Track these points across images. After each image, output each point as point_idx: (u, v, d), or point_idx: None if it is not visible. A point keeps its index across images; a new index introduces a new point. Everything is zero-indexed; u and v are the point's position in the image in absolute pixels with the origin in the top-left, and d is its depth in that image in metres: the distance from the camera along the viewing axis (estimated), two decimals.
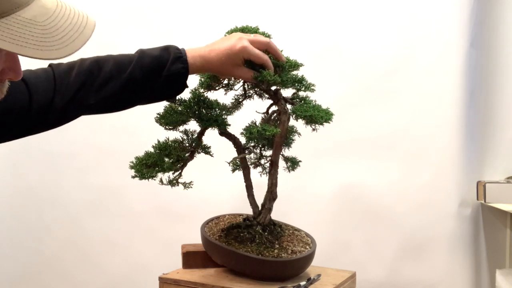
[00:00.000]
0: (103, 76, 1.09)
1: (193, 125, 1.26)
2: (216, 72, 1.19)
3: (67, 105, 1.08)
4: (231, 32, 1.24)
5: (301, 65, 1.23)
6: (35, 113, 1.05)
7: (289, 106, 1.24)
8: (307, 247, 1.27)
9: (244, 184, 1.29)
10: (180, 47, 1.16)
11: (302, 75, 1.22)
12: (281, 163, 1.29)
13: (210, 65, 1.14)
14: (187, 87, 1.17)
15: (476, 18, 1.79)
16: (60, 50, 0.66)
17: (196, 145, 1.25)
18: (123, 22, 2.02)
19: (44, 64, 1.04)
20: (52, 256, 2.12)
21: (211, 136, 1.28)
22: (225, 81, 1.26)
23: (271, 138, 1.22)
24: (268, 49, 1.18)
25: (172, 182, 1.22)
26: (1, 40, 0.62)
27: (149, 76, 1.11)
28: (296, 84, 1.21)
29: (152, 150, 1.22)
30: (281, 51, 1.22)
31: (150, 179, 1.19)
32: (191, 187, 1.23)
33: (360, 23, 1.86)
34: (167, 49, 1.13)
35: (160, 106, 1.25)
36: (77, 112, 1.13)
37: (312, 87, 1.22)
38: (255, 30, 1.23)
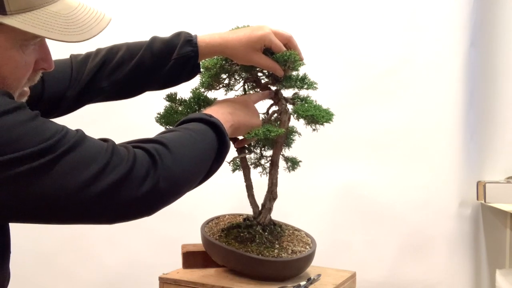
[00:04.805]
0: (116, 62, 1.13)
1: None
2: (232, 55, 1.16)
3: (81, 92, 1.13)
4: None
5: (303, 63, 1.23)
6: (47, 100, 1.08)
7: (289, 106, 1.24)
8: (307, 247, 1.27)
9: (244, 184, 1.29)
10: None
11: (305, 73, 1.22)
12: (281, 163, 1.29)
13: (228, 45, 1.14)
14: (200, 71, 1.18)
15: (476, 18, 1.79)
16: (79, 35, 0.80)
17: None
18: (122, 23, 2.02)
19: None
20: (52, 255, 2.11)
21: None
22: (226, 81, 1.26)
23: (273, 137, 1.22)
24: (289, 44, 1.17)
25: None
26: (32, 26, 0.75)
27: (158, 60, 1.13)
28: (299, 83, 1.21)
29: None
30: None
31: None
32: None
33: (360, 23, 1.86)
34: (178, 34, 1.15)
35: (160, 106, 1.25)
36: (90, 98, 1.16)
37: (314, 85, 1.22)
38: None
